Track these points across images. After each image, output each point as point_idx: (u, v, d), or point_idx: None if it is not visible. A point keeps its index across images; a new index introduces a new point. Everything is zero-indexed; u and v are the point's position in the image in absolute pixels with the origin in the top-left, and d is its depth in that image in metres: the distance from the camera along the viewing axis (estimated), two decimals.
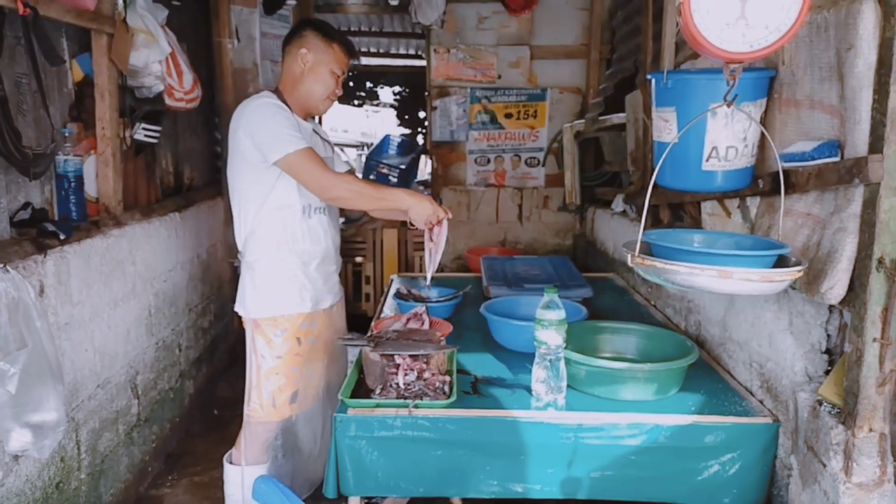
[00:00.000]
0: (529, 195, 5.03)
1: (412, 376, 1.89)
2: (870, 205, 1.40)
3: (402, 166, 5.84)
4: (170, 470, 2.96)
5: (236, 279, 2.34)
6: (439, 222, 2.19)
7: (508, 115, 4.92)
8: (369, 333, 2.22)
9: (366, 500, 2.15)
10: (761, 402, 1.89)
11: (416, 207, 2.14)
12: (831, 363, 1.67)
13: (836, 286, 1.48)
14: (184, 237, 3.29)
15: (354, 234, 4.95)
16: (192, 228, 3.40)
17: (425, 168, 6.85)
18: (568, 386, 1.88)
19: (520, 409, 1.83)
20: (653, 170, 1.68)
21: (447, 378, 1.92)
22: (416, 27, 5.29)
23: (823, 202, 1.61)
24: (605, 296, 3.00)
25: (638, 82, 3.34)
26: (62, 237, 2.14)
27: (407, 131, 9.83)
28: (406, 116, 10.20)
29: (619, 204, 3.73)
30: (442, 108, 4.92)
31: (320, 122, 4.87)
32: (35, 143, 2.18)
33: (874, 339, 1.40)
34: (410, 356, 1.94)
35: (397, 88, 10.38)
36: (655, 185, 2.05)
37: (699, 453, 1.76)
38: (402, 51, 7.56)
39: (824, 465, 1.53)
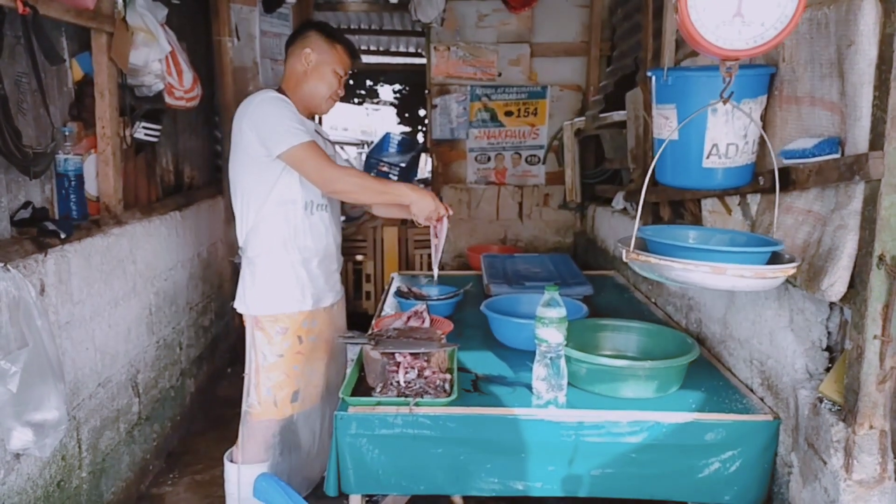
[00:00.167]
0: (530, 193, 5.02)
1: (413, 374, 1.89)
2: (870, 202, 1.40)
3: (403, 164, 5.84)
4: (171, 468, 2.97)
5: (237, 277, 2.34)
6: (440, 219, 2.19)
7: (509, 113, 4.92)
8: (370, 331, 2.22)
9: (367, 499, 2.15)
10: (762, 399, 1.89)
11: (419, 202, 2.15)
12: (832, 360, 1.67)
13: (836, 283, 1.47)
14: (184, 236, 3.29)
15: (355, 233, 4.95)
16: (192, 227, 3.40)
17: (425, 166, 6.84)
18: (569, 384, 1.88)
19: (520, 407, 1.83)
20: (653, 167, 1.68)
21: (448, 376, 1.92)
22: (416, 25, 5.27)
23: (824, 199, 1.61)
24: (606, 293, 3.00)
25: (638, 79, 3.34)
26: (63, 236, 2.14)
27: (407, 129, 9.82)
28: (406, 114, 10.20)
29: (619, 201, 3.72)
30: (442, 106, 4.92)
31: (320, 121, 4.87)
32: (35, 142, 2.18)
33: (875, 337, 1.40)
34: (411, 354, 1.94)
35: (397, 86, 10.38)
36: (655, 183, 2.06)
37: (700, 451, 1.76)
38: (402, 49, 7.55)
39: (825, 463, 1.53)
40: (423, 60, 5.20)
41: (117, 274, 2.55)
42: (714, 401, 1.88)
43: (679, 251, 1.54)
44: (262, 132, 2.10)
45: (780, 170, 1.68)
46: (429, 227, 2.25)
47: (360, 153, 9.61)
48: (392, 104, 10.96)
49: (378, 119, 12.16)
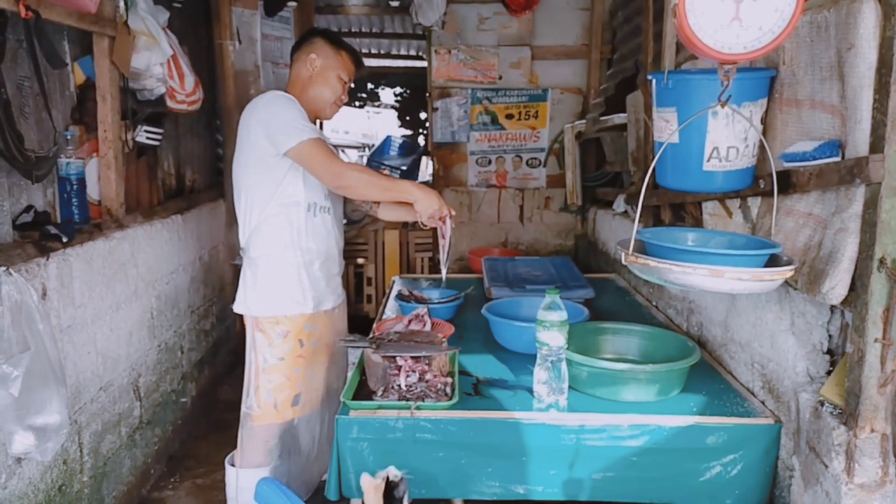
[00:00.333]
0: (531, 196, 5.03)
1: (414, 378, 1.89)
2: (871, 205, 1.40)
3: (404, 167, 5.85)
4: (172, 472, 2.97)
5: (238, 280, 2.35)
6: (442, 218, 2.20)
7: (509, 116, 4.92)
8: (371, 335, 2.22)
9: None
10: (763, 402, 1.89)
11: (424, 200, 2.16)
12: (833, 364, 1.67)
13: (837, 286, 1.47)
14: (185, 239, 3.30)
15: (356, 236, 4.95)
16: (193, 231, 3.41)
17: (426, 169, 6.85)
18: (569, 387, 1.88)
19: (521, 411, 1.83)
20: (653, 170, 1.68)
21: (449, 379, 1.92)
22: (417, 28, 5.28)
23: (825, 202, 1.61)
24: (607, 297, 3.00)
25: (639, 82, 3.34)
26: (64, 240, 2.15)
27: (408, 132, 9.83)
28: (407, 117, 10.21)
29: (620, 204, 3.73)
30: (443, 109, 4.92)
31: (321, 126, 4.88)
32: (37, 145, 2.19)
33: (876, 340, 1.40)
34: (412, 358, 1.94)
35: (398, 89, 10.39)
36: (656, 186, 2.06)
37: (701, 454, 1.76)
38: (402, 52, 7.56)
39: (826, 466, 1.52)
40: (424, 63, 5.21)
41: (119, 278, 2.56)
42: (715, 404, 1.88)
43: (678, 254, 1.54)
44: (270, 129, 2.11)
45: (780, 173, 1.68)
46: (431, 228, 2.26)
47: (362, 156, 9.63)
48: (393, 107, 10.98)
49: (379, 122, 12.16)
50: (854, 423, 1.45)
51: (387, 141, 6.32)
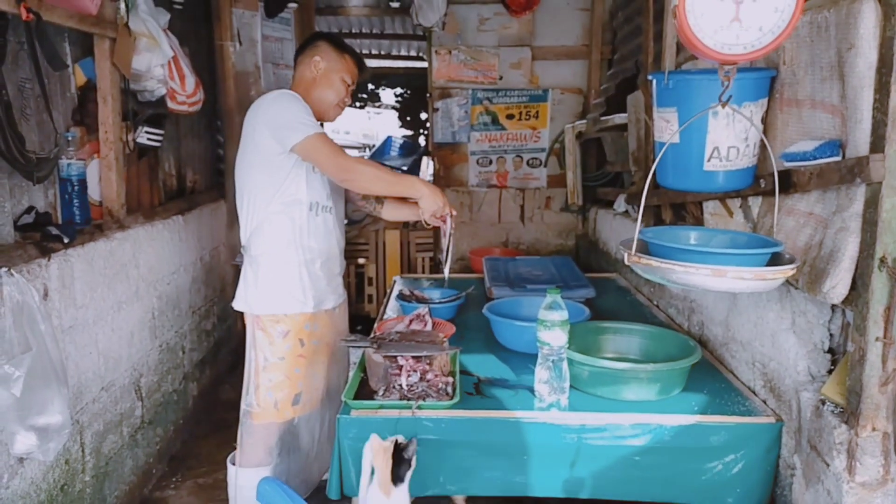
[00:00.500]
0: (531, 196, 5.03)
1: (415, 377, 1.90)
2: (871, 204, 1.40)
3: (405, 168, 5.86)
4: (174, 472, 2.97)
5: (239, 280, 2.35)
6: (443, 217, 2.21)
7: (510, 116, 4.93)
8: (372, 335, 2.22)
9: None
10: (764, 401, 1.89)
11: (429, 197, 2.18)
12: (834, 362, 1.67)
13: (838, 285, 1.48)
14: (187, 240, 3.30)
15: (357, 236, 4.95)
16: (194, 231, 3.41)
17: (427, 169, 6.86)
18: (571, 386, 1.88)
19: (523, 410, 1.83)
20: (654, 170, 1.68)
21: (450, 379, 1.93)
22: (418, 29, 5.29)
23: (825, 202, 1.61)
24: (608, 296, 3.00)
25: (639, 83, 3.34)
26: (66, 241, 2.15)
27: (409, 133, 9.83)
28: (408, 118, 10.21)
29: (621, 204, 3.73)
30: (443, 110, 4.93)
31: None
32: (38, 147, 2.19)
33: (877, 339, 1.40)
34: (413, 357, 1.95)
35: (399, 90, 10.38)
36: (657, 185, 2.06)
37: (702, 453, 1.76)
38: (403, 52, 7.56)
39: (828, 465, 1.53)
40: (425, 64, 5.22)
41: (120, 278, 2.56)
42: (716, 403, 1.88)
43: (680, 253, 1.54)
44: (275, 126, 2.12)
45: (781, 172, 1.68)
46: (433, 228, 2.27)
47: (362, 156, 9.63)
48: (394, 108, 10.97)
49: (380, 123, 12.17)
50: (855, 422, 1.45)
51: (387, 141, 6.33)
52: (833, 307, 1.64)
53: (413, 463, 1.65)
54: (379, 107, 11.70)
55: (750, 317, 2.01)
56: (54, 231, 2.13)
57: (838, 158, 1.52)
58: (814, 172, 1.59)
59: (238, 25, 3.93)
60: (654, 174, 1.66)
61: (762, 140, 1.83)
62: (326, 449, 2.46)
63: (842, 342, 1.65)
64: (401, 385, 1.88)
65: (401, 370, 1.91)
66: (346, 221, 2.53)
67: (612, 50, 4.65)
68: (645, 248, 1.65)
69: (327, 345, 2.37)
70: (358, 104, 11.15)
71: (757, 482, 1.77)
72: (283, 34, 4.29)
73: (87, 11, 2.27)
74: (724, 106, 1.55)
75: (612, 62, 4.54)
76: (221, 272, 3.85)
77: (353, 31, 6.72)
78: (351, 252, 4.87)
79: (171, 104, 2.94)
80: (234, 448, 2.35)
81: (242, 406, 2.30)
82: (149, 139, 2.93)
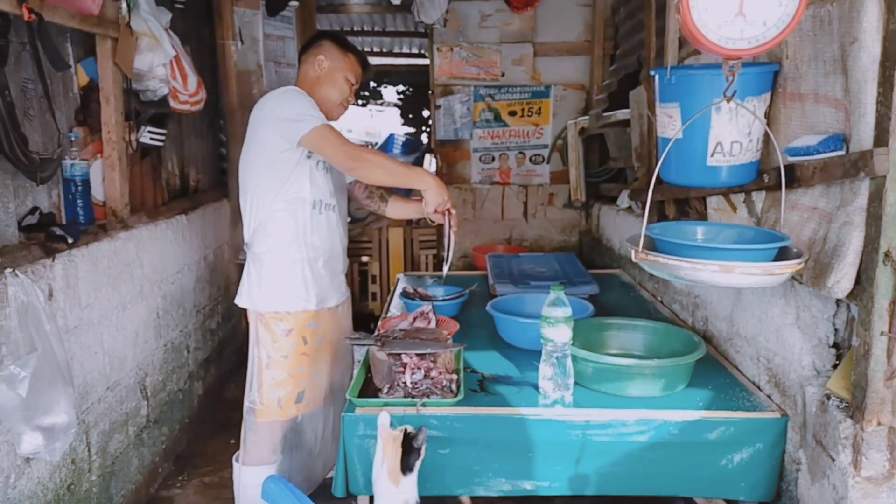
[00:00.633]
0: (534, 192, 5.02)
1: (419, 375, 1.90)
2: (876, 198, 1.40)
3: None
4: (180, 471, 2.98)
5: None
6: (443, 213, 2.22)
7: (512, 113, 4.92)
8: (376, 332, 2.22)
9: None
10: (769, 396, 1.89)
11: (435, 189, 2.18)
12: (839, 357, 1.66)
13: (842, 280, 1.47)
14: (190, 239, 3.31)
15: (360, 234, 4.96)
16: (198, 230, 3.42)
17: (430, 167, 6.85)
18: (575, 383, 1.88)
19: (527, 407, 1.83)
20: (659, 167, 1.68)
21: (454, 376, 1.93)
22: (419, 26, 5.29)
23: (829, 196, 1.60)
24: (612, 292, 3.00)
25: (642, 78, 3.33)
26: (70, 241, 2.15)
27: (411, 130, 9.82)
28: (410, 115, 10.20)
29: (624, 200, 3.72)
30: (446, 107, 4.92)
31: None
32: (42, 147, 2.20)
33: (882, 333, 1.40)
34: (417, 355, 1.95)
35: (401, 87, 10.37)
36: (660, 181, 2.06)
37: (707, 449, 1.76)
38: (405, 50, 7.56)
39: (833, 460, 1.52)
40: (427, 61, 5.21)
41: (124, 278, 2.56)
42: (721, 398, 1.88)
43: (687, 250, 1.54)
44: (282, 120, 2.12)
45: (785, 167, 1.68)
46: (437, 225, 2.27)
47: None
48: (396, 105, 10.97)
49: (382, 120, 12.16)
50: (861, 417, 1.45)
51: (390, 139, 6.33)
52: (838, 302, 1.63)
53: (423, 452, 1.65)
54: (381, 104, 11.69)
55: (754, 312, 2.00)
56: (58, 231, 2.14)
57: (842, 153, 1.52)
58: (817, 167, 1.59)
59: (239, 24, 3.93)
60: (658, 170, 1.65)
61: (765, 135, 1.83)
62: (330, 446, 2.46)
63: (846, 337, 1.65)
64: (405, 383, 1.88)
65: (405, 368, 1.92)
66: (348, 219, 2.53)
67: (615, 45, 4.63)
68: (651, 245, 1.65)
69: (330, 343, 2.37)
70: (360, 102, 11.15)
71: (762, 477, 1.77)
72: (284, 32, 4.29)
73: (88, 11, 2.27)
74: (729, 101, 1.55)
75: (615, 58, 4.52)
76: (225, 271, 3.86)
77: (355, 28, 6.72)
78: (354, 250, 4.87)
79: (173, 103, 2.94)
80: (240, 446, 2.36)
81: (245, 403, 2.31)
82: (151, 139, 2.93)
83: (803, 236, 1.66)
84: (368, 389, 1.95)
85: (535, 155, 4.99)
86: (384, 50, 7.53)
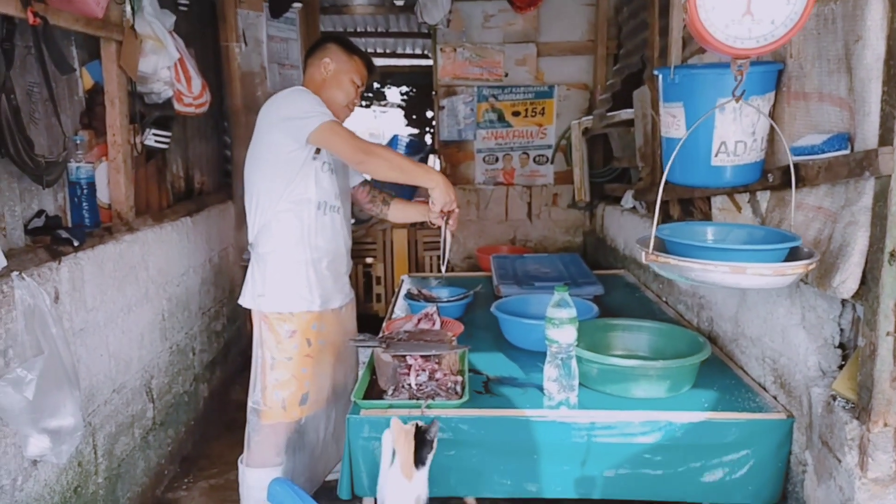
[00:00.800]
0: (538, 193, 5.02)
1: (424, 377, 1.90)
2: (881, 197, 1.39)
3: None
4: (186, 473, 2.99)
5: None
6: (451, 212, 2.24)
7: (516, 113, 4.92)
8: (381, 334, 2.23)
9: None
10: (775, 397, 1.88)
11: (442, 187, 2.19)
12: (845, 358, 1.66)
13: (848, 280, 1.47)
14: (195, 241, 3.31)
15: (365, 235, 4.96)
16: (203, 233, 3.43)
17: (434, 167, 6.85)
18: (580, 384, 1.88)
19: (532, 408, 1.83)
20: (662, 165, 1.67)
21: (459, 378, 1.93)
22: (422, 27, 5.28)
23: (834, 195, 1.60)
24: (617, 293, 2.99)
25: (645, 78, 3.33)
26: (76, 244, 2.16)
27: (415, 131, 9.82)
28: (414, 116, 10.19)
29: (628, 200, 3.71)
30: (449, 108, 4.92)
31: None
32: (47, 151, 2.21)
33: (888, 333, 1.39)
34: (422, 356, 1.95)
35: (404, 88, 10.37)
36: (665, 182, 2.05)
37: (713, 450, 1.76)
38: (408, 51, 7.56)
39: (839, 461, 1.52)
40: (430, 62, 5.20)
41: (130, 280, 2.57)
42: (727, 400, 1.87)
43: (698, 251, 1.53)
44: (290, 118, 2.13)
45: (789, 166, 1.67)
46: (438, 229, 2.28)
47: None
48: (399, 106, 10.96)
49: (386, 121, 12.17)
50: (867, 418, 1.44)
51: (394, 140, 6.33)
52: (843, 302, 1.63)
53: (435, 445, 1.65)
54: (385, 105, 11.69)
55: (759, 312, 2.00)
56: (64, 234, 2.15)
57: (847, 152, 1.51)
58: (822, 166, 1.58)
59: (243, 26, 3.94)
60: (661, 170, 1.65)
61: (769, 134, 1.82)
62: (332, 448, 2.47)
63: (852, 337, 1.64)
64: (410, 384, 1.88)
65: (410, 369, 1.92)
66: (353, 221, 2.54)
67: (618, 45, 4.62)
68: (660, 246, 1.64)
69: (333, 344, 2.37)
70: (364, 103, 11.15)
71: (768, 479, 1.77)
72: (288, 34, 4.29)
73: (93, 15, 2.28)
74: (738, 101, 1.54)
75: (618, 57, 4.51)
76: (230, 273, 3.87)
77: (358, 29, 6.72)
78: (358, 251, 4.87)
79: (177, 106, 2.95)
80: (244, 448, 2.36)
81: (249, 403, 2.31)
82: (156, 141, 2.94)
83: (808, 236, 1.66)
84: (373, 391, 1.95)
85: (539, 155, 4.99)
86: (387, 51, 7.52)
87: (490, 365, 2.15)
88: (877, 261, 1.40)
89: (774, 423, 1.77)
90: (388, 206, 2.56)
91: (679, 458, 1.76)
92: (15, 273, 1.81)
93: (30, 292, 1.82)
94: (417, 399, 1.84)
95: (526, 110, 4.91)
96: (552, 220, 5.04)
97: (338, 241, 2.34)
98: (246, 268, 2.38)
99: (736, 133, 1.77)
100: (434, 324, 2.26)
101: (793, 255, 1.55)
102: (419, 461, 1.63)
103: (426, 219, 2.34)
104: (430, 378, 1.90)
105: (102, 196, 2.57)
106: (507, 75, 4.85)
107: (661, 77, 1.95)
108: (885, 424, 1.43)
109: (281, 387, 2.25)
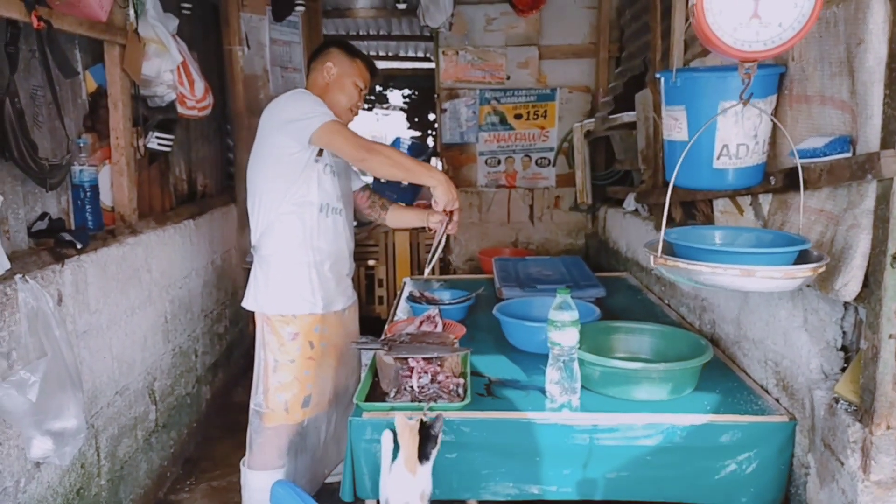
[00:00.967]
0: (540, 195, 5.02)
1: (426, 379, 1.90)
2: (883, 200, 1.39)
3: None
4: (188, 475, 2.99)
5: None
6: (452, 212, 2.24)
7: (518, 116, 4.92)
8: (383, 337, 2.23)
9: None
10: (777, 400, 1.88)
11: (444, 186, 2.19)
12: (847, 360, 1.66)
13: (850, 283, 1.47)
14: (198, 244, 3.32)
15: (367, 238, 4.96)
16: (206, 235, 3.43)
17: (436, 166, 6.85)
18: (582, 387, 1.88)
19: (534, 411, 1.83)
20: (664, 168, 1.67)
21: (461, 380, 1.93)
22: (425, 30, 5.29)
23: (836, 198, 1.60)
24: (619, 295, 2.99)
25: (647, 80, 3.33)
26: (79, 246, 2.17)
27: (417, 134, 9.84)
28: (416, 119, 10.21)
29: (630, 203, 3.71)
30: (451, 110, 4.93)
31: None
32: (51, 154, 2.22)
33: (890, 336, 1.39)
34: (424, 359, 1.95)
35: (407, 91, 10.39)
36: (665, 183, 2.05)
37: (715, 453, 1.75)
38: (410, 54, 7.57)
39: (842, 464, 1.52)
40: (432, 65, 5.22)
41: (133, 283, 2.58)
42: (729, 402, 1.87)
43: (707, 254, 1.53)
44: (292, 120, 2.14)
45: (791, 169, 1.67)
46: (435, 230, 2.29)
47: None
48: (401, 109, 10.98)
49: (388, 124, 12.18)
50: (869, 420, 1.44)
51: (396, 143, 6.33)
52: (846, 304, 1.62)
53: (440, 440, 1.65)
54: (387, 108, 11.71)
55: (762, 315, 2.00)
56: (68, 237, 2.16)
57: (849, 155, 1.51)
58: (824, 169, 1.58)
59: (246, 29, 3.95)
60: (663, 172, 1.65)
61: (771, 137, 1.82)
62: (332, 450, 2.47)
63: (855, 340, 1.64)
64: (412, 387, 1.88)
65: (412, 372, 1.92)
66: (354, 224, 2.54)
67: (620, 48, 4.63)
68: (668, 249, 1.64)
69: (335, 346, 2.38)
70: (366, 106, 11.17)
71: (770, 481, 1.76)
72: (290, 37, 4.30)
73: (97, 18, 2.29)
74: (745, 104, 1.54)
75: (620, 60, 4.52)
76: (233, 275, 3.88)
77: (361, 33, 6.74)
78: (361, 254, 4.88)
79: (180, 109, 2.96)
80: (246, 450, 2.36)
81: (252, 405, 2.31)
82: (159, 144, 2.95)
83: (811, 239, 1.65)
84: (375, 394, 1.95)
85: (541, 158, 4.99)
86: (390, 54, 7.54)
87: (492, 367, 2.15)
88: (879, 263, 1.40)
89: (777, 425, 1.76)
90: (385, 211, 2.56)
91: (681, 460, 1.76)
92: (18, 276, 1.81)
93: (33, 295, 1.82)
94: (419, 401, 1.84)
95: (528, 113, 4.91)
96: (554, 223, 5.04)
97: (340, 244, 2.34)
98: (248, 270, 2.39)
99: (738, 136, 1.77)
100: (436, 326, 2.27)
101: (801, 258, 1.55)
102: (423, 456, 1.64)
103: (424, 224, 2.35)
104: (433, 380, 1.90)
105: (105, 199, 2.58)
106: (509, 78, 4.86)
107: (662, 80, 1.95)
108: (888, 427, 1.43)
109: (283, 389, 2.25)
